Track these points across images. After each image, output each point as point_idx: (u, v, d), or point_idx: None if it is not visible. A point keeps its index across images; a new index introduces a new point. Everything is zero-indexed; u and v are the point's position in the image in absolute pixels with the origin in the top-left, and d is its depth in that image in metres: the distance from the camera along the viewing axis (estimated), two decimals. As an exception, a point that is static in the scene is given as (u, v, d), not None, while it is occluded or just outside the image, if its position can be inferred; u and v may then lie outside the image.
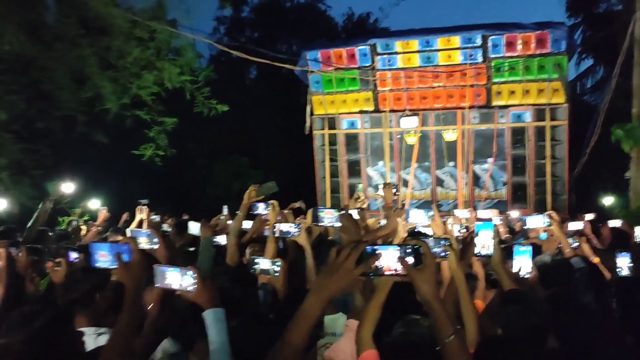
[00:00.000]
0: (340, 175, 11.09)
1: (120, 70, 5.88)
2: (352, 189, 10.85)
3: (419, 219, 3.54)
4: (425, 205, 10.59)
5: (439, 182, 10.59)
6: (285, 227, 3.84)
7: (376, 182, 10.79)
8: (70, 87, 5.95)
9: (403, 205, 10.49)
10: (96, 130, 7.09)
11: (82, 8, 5.53)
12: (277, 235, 3.88)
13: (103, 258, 2.22)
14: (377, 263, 1.67)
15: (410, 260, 1.66)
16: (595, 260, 4.43)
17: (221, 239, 4.83)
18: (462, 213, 6.37)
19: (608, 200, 6.54)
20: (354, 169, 11.03)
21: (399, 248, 1.69)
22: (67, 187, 7.21)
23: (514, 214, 8.05)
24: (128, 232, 3.60)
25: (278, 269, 3.44)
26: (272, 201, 4.08)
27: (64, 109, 6.17)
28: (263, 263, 3.49)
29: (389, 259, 1.68)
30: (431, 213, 3.50)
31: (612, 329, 2.81)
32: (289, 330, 1.62)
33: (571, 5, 17.26)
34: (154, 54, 6.04)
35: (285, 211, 6.00)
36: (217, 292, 2.24)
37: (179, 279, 2.20)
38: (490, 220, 2.99)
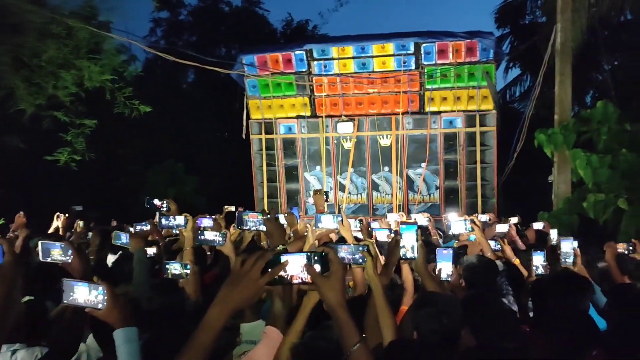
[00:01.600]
0: (278, 181, 11.04)
1: (35, 69, 5.50)
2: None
3: (328, 224, 3.52)
4: (361, 209, 10.72)
5: (375, 186, 10.74)
6: (210, 235, 3.72)
7: (313, 187, 10.81)
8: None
9: (340, 209, 10.57)
10: (11, 134, 6.63)
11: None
12: (201, 243, 3.76)
13: None
14: (284, 271, 1.63)
15: (318, 267, 1.63)
16: (516, 261, 4.60)
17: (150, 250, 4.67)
18: (393, 217, 6.46)
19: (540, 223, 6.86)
20: (292, 174, 11.01)
21: (306, 255, 1.66)
22: None
23: (452, 217, 8.24)
24: (39, 244, 3.35)
25: (189, 272, 3.32)
26: (186, 215, 3.95)
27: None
28: (174, 267, 3.36)
29: (296, 267, 1.64)
30: (339, 218, 3.49)
31: (521, 328, 2.89)
32: (189, 343, 1.55)
33: (500, 16, 18.06)
34: (72, 52, 5.69)
35: (218, 216, 5.88)
36: (130, 309, 2.13)
37: (87, 295, 2.07)
38: (414, 222, 3.01)
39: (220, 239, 3.58)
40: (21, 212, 5.84)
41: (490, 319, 2.68)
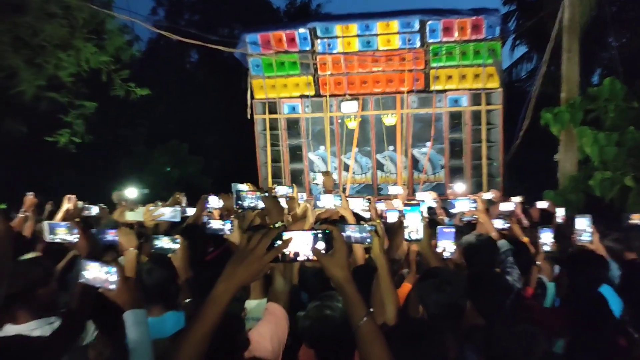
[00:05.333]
0: (282, 161, 11.02)
1: (36, 49, 5.39)
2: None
3: (329, 203, 3.51)
4: (365, 189, 10.71)
5: (379, 166, 10.70)
6: (216, 224, 3.68)
7: (317, 167, 10.80)
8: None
9: (344, 189, 10.56)
10: (13, 117, 6.57)
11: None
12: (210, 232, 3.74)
13: None
14: (289, 248, 1.64)
15: (322, 245, 1.63)
16: (525, 239, 4.59)
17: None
18: (395, 189, 6.46)
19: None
20: (296, 154, 10.97)
21: (310, 233, 1.66)
22: None
23: (458, 187, 8.22)
24: (45, 224, 3.37)
25: (177, 246, 3.23)
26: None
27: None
28: (162, 241, 3.28)
29: (300, 244, 1.64)
30: (339, 198, 3.47)
31: (525, 305, 2.88)
32: (196, 318, 1.56)
33: (506, -7, 17.79)
34: (70, 32, 5.57)
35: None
36: (140, 291, 2.14)
37: (100, 275, 2.07)
38: (418, 203, 2.99)
39: (229, 227, 3.53)
40: (32, 193, 5.76)
41: (492, 295, 2.69)
